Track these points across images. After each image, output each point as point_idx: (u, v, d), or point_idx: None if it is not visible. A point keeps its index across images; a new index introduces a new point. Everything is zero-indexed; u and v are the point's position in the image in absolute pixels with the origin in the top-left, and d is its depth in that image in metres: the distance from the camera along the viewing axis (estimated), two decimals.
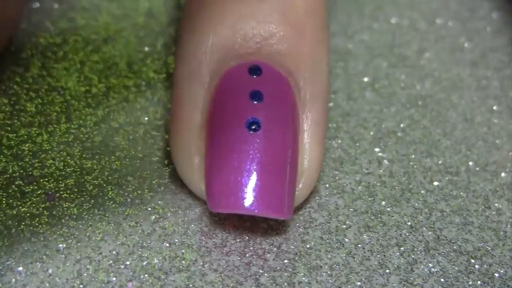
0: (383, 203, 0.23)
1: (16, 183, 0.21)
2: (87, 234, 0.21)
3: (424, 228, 0.22)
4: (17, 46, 0.25)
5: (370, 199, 0.23)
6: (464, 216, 0.23)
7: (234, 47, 0.21)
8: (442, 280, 0.21)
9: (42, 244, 0.20)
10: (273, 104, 0.20)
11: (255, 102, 0.20)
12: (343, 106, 0.25)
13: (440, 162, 0.24)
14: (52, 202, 0.21)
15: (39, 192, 0.21)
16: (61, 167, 0.22)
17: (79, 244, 0.20)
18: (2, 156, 0.22)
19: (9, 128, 0.23)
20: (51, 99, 0.24)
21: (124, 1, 0.27)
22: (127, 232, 0.21)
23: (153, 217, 0.21)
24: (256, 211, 0.19)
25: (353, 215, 0.22)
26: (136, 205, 0.21)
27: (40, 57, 0.25)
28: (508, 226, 0.22)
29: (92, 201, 0.21)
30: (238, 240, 0.21)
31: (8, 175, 0.22)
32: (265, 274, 0.20)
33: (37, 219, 0.21)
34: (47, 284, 0.19)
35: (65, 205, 0.21)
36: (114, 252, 0.20)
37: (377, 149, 0.24)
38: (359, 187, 0.23)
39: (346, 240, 0.21)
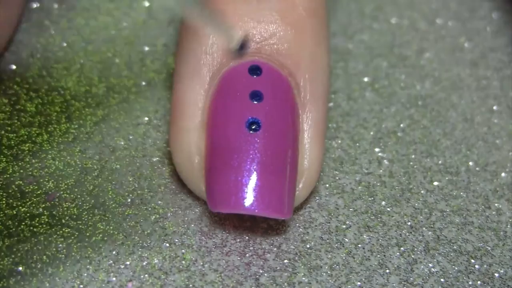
0: (383, 203, 0.23)
1: (16, 183, 0.21)
2: (87, 234, 0.21)
3: (424, 228, 0.22)
4: (17, 46, 0.25)
5: (370, 199, 0.23)
6: (464, 216, 0.23)
7: None
8: (442, 280, 0.21)
9: (42, 244, 0.20)
10: (273, 104, 0.20)
11: (255, 102, 0.20)
12: (343, 106, 0.25)
13: (440, 162, 0.24)
14: (52, 202, 0.21)
15: (39, 192, 0.21)
16: (61, 167, 0.22)
17: (79, 244, 0.20)
18: (2, 156, 0.22)
19: (9, 128, 0.23)
20: (51, 99, 0.24)
21: (124, 1, 0.27)
22: (127, 232, 0.21)
23: (153, 217, 0.21)
24: (256, 210, 0.19)
25: (353, 215, 0.22)
26: (136, 205, 0.21)
27: (40, 57, 0.25)
28: (508, 226, 0.22)
29: (92, 201, 0.21)
30: (238, 240, 0.21)
31: (8, 175, 0.22)
32: (265, 274, 0.20)
33: (37, 219, 0.21)
34: (47, 284, 0.19)
35: (65, 205, 0.21)
36: (114, 252, 0.20)
37: (377, 149, 0.24)
38: (359, 187, 0.23)
39: (346, 240, 0.21)
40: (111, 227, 0.21)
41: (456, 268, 0.21)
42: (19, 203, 0.21)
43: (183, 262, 0.20)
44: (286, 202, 0.20)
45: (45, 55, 0.25)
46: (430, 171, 0.24)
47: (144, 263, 0.20)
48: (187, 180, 0.21)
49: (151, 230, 0.21)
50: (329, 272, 0.21)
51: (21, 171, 0.22)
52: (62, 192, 0.21)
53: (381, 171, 0.23)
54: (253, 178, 0.20)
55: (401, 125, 0.25)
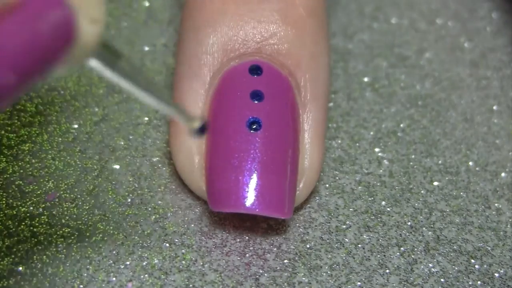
0: (383, 203, 0.23)
1: (16, 183, 0.21)
2: (87, 234, 0.21)
3: (424, 228, 0.22)
4: None
5: (370, 199, 0.23)
6: (464, 216, 0.23)
7: (235, 46, 0.21)
8: (442, 280, 0.21)
9: (42, 244, 0.20)
10: (273, 104, 0.20)
11: (256, 102, 0.20)
12: (343, 106, 0.25)
13: (440, 162, 0.24)
14: (52, 202, 0.21)
15: (39, 192, 0.21)
16: (61, 167, 0.22)
17: (79, 244, 0.20)
18: (2, 156, 0.22)
19: (9, 128, 0.23)
20: (51, 99, 0.24)
21: (124, 1, 0.27)
22: (127, 232, 0.21)
23: (153, 217, 0.21)
24: (257, 210, 0.19)
25: (353, 215, 0.22)
26: (136, 205, 0.21)
27: None
28: (508, 226, 0.22)
29: (92, 201, 0.21)
30: (238, 240, 0.21)
31: (8, 175, 0.22)
32: (265, 274, 0.20)
33: (37, 219, 0.21)
34: (47, 284, 0.19)
35: (65, 205, 0.21)
36: (114, 252, 0.20)
37: (377, 149, 0.24)
38: (359, 187, 0.23)
39: (346, 240, 0.21)
40: (111, 227, 0.21)
41: (456, 268, 0.21)
42: (19, 203, 0.21)
43: (183, 262, 0.20)
44: (287, 202, 0.20)
45: None
46: (430, 171, 0.24)
47: (144, 263, 0.20)
48: (187, 180, 0.21)
49: (151, 230, 0.21)
50: (329, 272, 0.21)
51: (21, 171, 0.22)
52: (62, 192, 0.21)
53: (381, 171, 0.23)
54: (254, 178, 0.20)
55: (401, 125, 0.25)
